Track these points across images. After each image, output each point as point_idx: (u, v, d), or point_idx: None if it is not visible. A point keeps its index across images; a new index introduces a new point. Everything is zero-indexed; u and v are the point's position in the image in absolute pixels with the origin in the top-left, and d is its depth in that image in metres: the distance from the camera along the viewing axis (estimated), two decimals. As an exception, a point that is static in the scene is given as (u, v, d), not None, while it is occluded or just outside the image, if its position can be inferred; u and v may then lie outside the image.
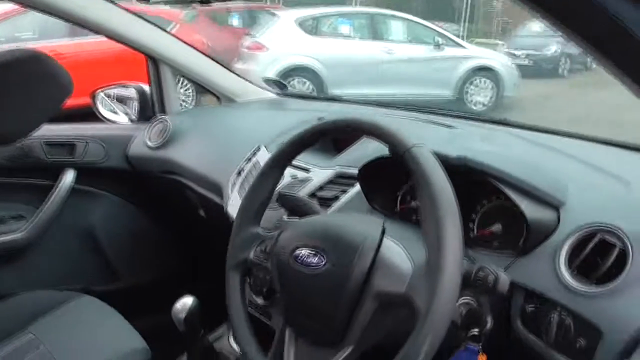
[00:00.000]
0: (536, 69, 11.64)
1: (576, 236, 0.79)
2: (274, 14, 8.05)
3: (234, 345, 1.26)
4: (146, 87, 1.84)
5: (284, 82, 1.95)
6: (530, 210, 0.83)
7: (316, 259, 0.76)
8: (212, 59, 1.82)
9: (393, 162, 1.01)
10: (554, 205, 0.87)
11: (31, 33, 6.17)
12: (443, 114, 1.51)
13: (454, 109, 1.82)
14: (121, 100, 1.90)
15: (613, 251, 0.75)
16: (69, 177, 1.62)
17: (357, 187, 1.09)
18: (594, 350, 0.73)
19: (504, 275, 0.70)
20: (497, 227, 0.91)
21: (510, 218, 0.90)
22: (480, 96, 7.84)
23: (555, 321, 0.77)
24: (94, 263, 1.75)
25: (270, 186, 0.92)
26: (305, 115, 1.51)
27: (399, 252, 0.73)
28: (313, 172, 1.16)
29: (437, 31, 8.18)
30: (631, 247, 0.73)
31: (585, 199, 0.88)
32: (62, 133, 1.63)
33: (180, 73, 1.74)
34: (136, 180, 1.73)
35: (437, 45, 7.75)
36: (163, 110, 1.77)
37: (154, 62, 1.71)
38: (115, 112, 1.89)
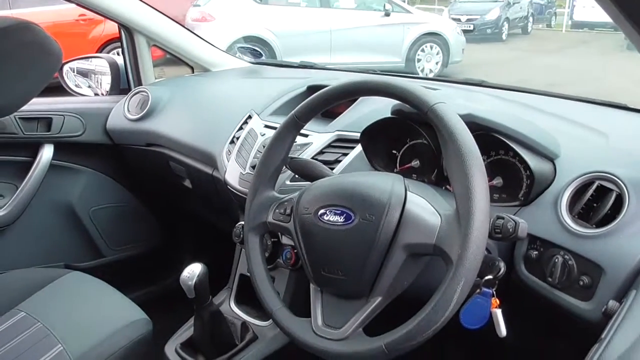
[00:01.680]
0: (478, 34, 11.94)
1: (576, 184, 0.86)
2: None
3: (236, 310, 1.30)
4: (118, 59, 1.80)
5: (258, 49, 1.95)
6: (533, 162, 0.90)
7: (343, 216, 0.80)
8: (186, 28, 1.80)
9: (392, 123, 1.07)
10: (550, 158, 0.94)
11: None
12: (420, 78, 1.57)
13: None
14: (83, 73, 1.86)
15: (610, 196, 0.83)
16: (47, 153, 1.59)
17: (358, 149, 1.13)
18: (596, 286, 0.81)
19: (522, 221, 0.76)
20: (497, 181, 0.97)
21: (509, 172, 0.97)
22: (428, 63, 7.98)
23: (559, 263, 0.84)
24: (76, 239, 1.73)
25: (285, 150, 0.94)
26: (287, 82, 1.53)
27: (424, 204, 0.78)
28: (312, 136, 1.19)
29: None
30: (627, 191, 0.81)
31: (575, 150, 0.96)
32: (36, 107, 1.59)
33: (155, 43, 1.71)
34: (116, 153, 1.70)
35: (385, 11, 7.81)
36: (139, 82, 1.74)
37: (128, 32, 1.67)
38: (78, 86, 1.85)
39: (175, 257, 1.88)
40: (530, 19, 13.65)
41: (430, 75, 7.57)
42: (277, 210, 0.92)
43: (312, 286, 0.87)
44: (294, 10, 7.66)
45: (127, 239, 1.80)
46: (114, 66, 1.78)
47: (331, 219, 0.81)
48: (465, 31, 9.71)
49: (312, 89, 1.36)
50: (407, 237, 0.77)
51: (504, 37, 12.31)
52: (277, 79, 1.70)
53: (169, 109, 1.60)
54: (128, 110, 1.64)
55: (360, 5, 8.05)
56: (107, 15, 1.58)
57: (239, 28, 6.81)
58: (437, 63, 8.06)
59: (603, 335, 0.55)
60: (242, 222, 1.14)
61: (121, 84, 1.79)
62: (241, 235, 1.08)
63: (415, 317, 0.72)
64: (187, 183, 1.60)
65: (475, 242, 0.69)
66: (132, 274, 1.71)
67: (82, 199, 1.70)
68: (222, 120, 1.42)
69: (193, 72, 1.87)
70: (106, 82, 1.81)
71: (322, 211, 0.82)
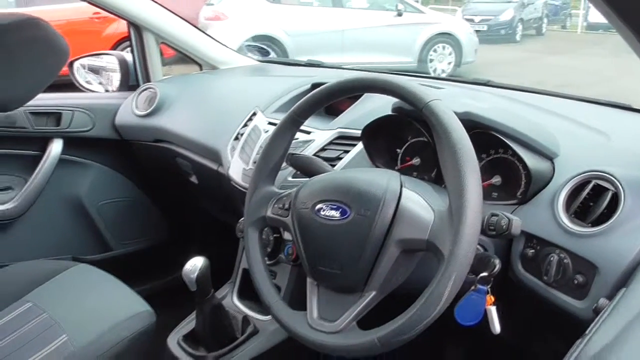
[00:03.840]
0: (492, 35, 11.86)
1: (572, 183, 0.87)
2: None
3: (238, 304, 1.31)
4: (127, 56, 1.82)
5: (265, 48, 1.97)
6: (531, 161, 0.90)
7: (339, 211, 0.81)
8: (194, 26, 1.82)
9: (394, 121, 1.07)
10: (549, 157, 0.94)
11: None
12: (429, 77, 1.57)
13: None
14: (94, 70, 1.89)
15: (606, 195, 0.83)
16: (56, 147, 1.62)
17: (359, 146, 1.14)
18: (590, 285, 0.81)
19: (516, 218, 0.77)
20: (496, 179, 0.98)
21: (508, 170, 0.97)
22: (441, 63, 7.95)
23: (555, 262, 0.84)
24: (84, 233, 1.75)
25: (284, 146, 0.96)
26: (292, 80, 1.54)
27: (419, 200, 0.79)
28: (314, 133, 1.21)
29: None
30: (623, 190, 0.81)
31: (574, 150, 0.96)
32: (46, 102, 1.62)
33: (164, 40, 1.73)
34: (124, 149, 1.73)
35: (398, 11, 7.79)
36: (147, 79, 1.77)
37: (137, 29, 1.70)
38: (89, 82, 1.88)
39: (180, 251, 1.89)
40: (545, 20, 13.53)
41: (442, 76, 7.57)
42: (276, 205, 0.93)
43: (308, 280, 0.88)
44: (306, 10, 7.68)
45: (133, 233, 1.83)
46: (123, 63, 1.81)
47: (327, 213, 0.82)
48: (478, 32, 9.68)
49: (316, 86, 1.37)
50: (401, 232, 0.77)
51: (518, 38, 12.22)
52: (283, 76, 1.71)
53: (176, 105, 1.63)
54: (136, 107, 1.67)
55: (373, 5, 8.04)
56: (116, 13, 1.61)
57: (252, 27, 6.83)
58: (449, 63, 8.02)
59: (587, 331, 0.56)
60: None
61: (130, 81, 1.81)
62: (242, 230, 1.10)
63: (407, 311, 0.73)
64: (194, 179, 1.62)
65: (466, 237, 0.70)
66: (138, 268, 1.73)
67: (90, 193, 1.73)
68: (227, 117, 1.43)
69: (201, 69, 1.89)
70: (116, 78, 1.83)
71: (319, 206, 0.83)
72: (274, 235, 1.20)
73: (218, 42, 1.89)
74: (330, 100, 0.92)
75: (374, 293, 0.80)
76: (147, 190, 1.83)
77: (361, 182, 0.82)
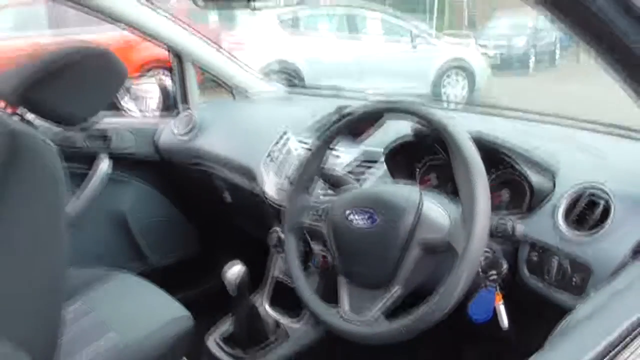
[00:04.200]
0: (505, 63, 12.01)
1: (570, 196, 1.00)
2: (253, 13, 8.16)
3: (270, 311, 1.44)
4: (167, 82, 1.99)
5: (292, 76, 2.13)
6: (534, 177, 1.04)
7: (368, 219, 0.95)
8: (228, 56, 1.99)
9: (412, 142, 1.22)
10: (550, 173, 1.07)
11: (11, 25, 6.30)
12: (441, 101, 1.71)
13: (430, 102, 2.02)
14: (135, 93, 2.05)
15: (599, 206, 0.96)
16: (104, 165, 1.77)
17: (381, 165, 1.28)
18: (586, 284, 0.93)
19: (519, 223, 0.90)
20: (504, 194, 1.11)
21: (514, 185, 1.10)
22: (454, 89, 8.12)
23: (555, 265, 0.97)
24: (125, 245, 1.90)
25: (318, 162, 1.10)
26: (317, 104, 1.70)
27: (436, 209, 0.93)
28: (342, 153, 1.35)
29: (411, 27, 8.43)
30: (613, 202, 0.94)
31: (572, 167, 1.09)
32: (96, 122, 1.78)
33: (203, 69, 1.90)
34: (164, 168, 1.88)
35: (412, 40, 8.01)
36: (186, 103, 1.93)
37: (179, 58, 1.87)
38: (130, 105, 2.05)
39: (212, 263, 2.04)
40: (558, 49, 13.65)
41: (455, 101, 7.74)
42: (312, 214, 1.07)
43: (339, 278, 1.01)
44: (322, 37, 7.91)
45: (169, 246, 1.97)
46: (163, 88, 1.97)
47: (358, 220, 0.96)
48: (491, 59, 9.83)
49: (340, 108, 1.53)
50: (422, 235, 0.91)
51: (530, 65, 12.36)
52: (309, 102, 1.87)
53: (212, 128, 1.78)
54: (176, 129, 1.83)
55: (388, 33, 8.26)
56: (161, 42, 1.78)
57: (269, 54, 7.05)
58: (462, 89, 8.18)
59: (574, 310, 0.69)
60: (276, 228, 1.30)
61: (169, 105, 1.98)
62: (275, 240, 1.24)
63: (427, 302, 0.86)
64: (227, 195, 1.76)
65: (477, 237, 0.83)
66: (173, 279, 1.87)
67: (132, 209, 1.88)
68: (260, 138, 1.58)
69: (233, 95, 2.05)
70: (154, 102, 2.00)
71: (350, 214, 0.97)
72: (305, 249, 1.34)
73: (248, 70, 2.05)
74: (359, 124, 1.06)
75: (399, 288, 0.93)
76: (183, 207, 1.98)
77: (387, 194, 0.97)
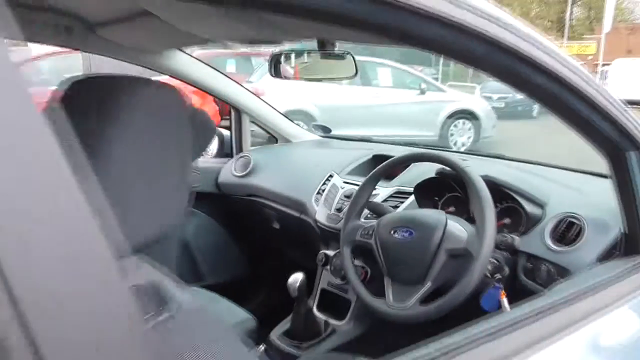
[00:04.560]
0: (509, 111, 12.50)
1: (555, 221, 1.36)
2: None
3: (318, 313, 1.79)
4: (223, 131, 2.39)
5: (328, 127, 2.53)
6: (528, 208, 1.40)
7: (407, 234, 1.31)
8: (273, 108, 2.40)
9: (436, 181, 1.59)
10: (541, 205, 1.44)
11: (46, 76, 6.59)
12: (453, 152, 2.10)
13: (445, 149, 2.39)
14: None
15: (576, 227, 1.32)
16: None
17: (411, 199, 1.65)
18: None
19: (517, 237, 1.26)
20: (507, 219, 1.48)
21: (514, 213, 1.47)
22: (461, 137, 8.54)
23: (544, 269, 1.32)
24: (186, 267, 2.25)
25: (367, 194, 1.48)
26: (354, 152, 2.08)
27: (458, 227, 1.29)
28: (378, 190, 1.72)
29: (420, 77, 8.92)
30: (585, 224, 1.30)
31: (558, 200, 1.45)
32: None
33: (255, 120, 2.30)
34: (222, 201, 2.26)
35: (421, 90, 8.48)
36: (241, 148, 2.32)
37: (237, 112, 2.27)
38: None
39: (258, 284, 2.39)
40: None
41: (462, 149, 8.15)
42: (361, 233, 1.44)
43: (385, 278, 1.37)
44: (336, 87, 8.38)
45: (224, 268, 2.32)
46: (220, 136, 2.37)
47: (400, 235, 1.32)
48: (496, 108, 10.29)
49: (377, 157, 1.91)
50: (447, 245, 1.27)
51: (534, 114, 12.84)
52: (345, 149, 2.26)
53: (265, 168, 2.17)
54: (235, 169, 2.21)
55: (397, 84, 8.73)
56: (225, 100, 2.18)
57: (287, 102, 7.49)
58: (469, 138, 8.59)
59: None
60: (324, 251, 1.67)
61: (225, 150, 2.37)
62: (322, 258, 1.61)
63: (452, 290, 1.21)
64: (275, 224, 2.13)
65: (487, 247, 1.19)
66: (226, 295, 2.22)
67: (195, 236, 2.25)
68: (309, 177, 1.96)
69: (277, 142, 2.44)
70: (213, 147, 2.40)
71: (394, 231, 1.34)
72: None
73: (290, 120, 2.45)
74: (393, 169, 1.44)
75: (430, 284, 1.29)
76: (236, 234, 2.34)
77: (422, 216, 1.34)
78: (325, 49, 1.34)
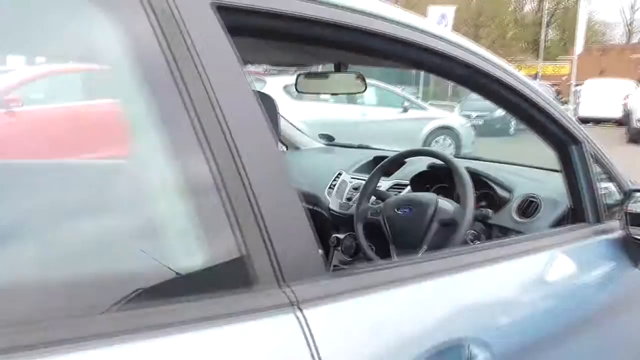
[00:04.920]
0: (488, 129, 13.05)
1: (519, 200, 1.78)
2: (261, 80, 9.11)
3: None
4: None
5: (332, 135, 2.95)
6: (500, 192, 1.82)
7: (408, 210, 1.72)
8: (284, 118, 2.79)
9: (427, 173, 2.00)
10: (509, 190, 1.86)
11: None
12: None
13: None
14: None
15: (535, 204, 1.74)
16: None
17: (407, 189, 2.06)
18: None
19: (490, 211, 1.68)
20: (483, 203, 1.88)
21: (489, 197, 1.88)
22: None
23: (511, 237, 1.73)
24: None
25: (375, 182, 1.88)
26: (357, 156, 2.50)
27: (446, 203, 1.70)
28: (380, 183, 2.12)
29: (402, 95, 9.42)
30: (542, 202, 1.72)
31: (523, 187, 1.87)
32: None
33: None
34: None
35: (404, 108, 8.97)
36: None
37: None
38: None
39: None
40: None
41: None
42: (371, 212, 1.84)
43: (391, 246, 1.76)
44: (323, 105, 8.80)
45: None
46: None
47: (401, 212, 1.73)
48: (475, 126, 10.81)
49: (377, 158, 2.33)
50: (439, 216, 1.68)
51: (511, 132, 13.41)
52: (348, 154, 2.67)
53: None
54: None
55: (381, 103, 9.22)
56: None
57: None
58: (450, 153, 9.04)
59: None
60: (335, 235, 2.07)
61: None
62: (334, 240, 2.00)
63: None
64: None
65: (468, 217, 1.60)
66: None
67: None
68: (320, 176, 2.36)
69: (287, 149, 2.84)
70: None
71: (396, 209, 1.74)
72: (355, 242, 2.09)
73: (299, 130, 2.85)
74: (392, 165, 1.85)
75: (425, 247, 1.69)
76: None
77: (418, 196, 1.74)
78: (340, 70, 1.77)
